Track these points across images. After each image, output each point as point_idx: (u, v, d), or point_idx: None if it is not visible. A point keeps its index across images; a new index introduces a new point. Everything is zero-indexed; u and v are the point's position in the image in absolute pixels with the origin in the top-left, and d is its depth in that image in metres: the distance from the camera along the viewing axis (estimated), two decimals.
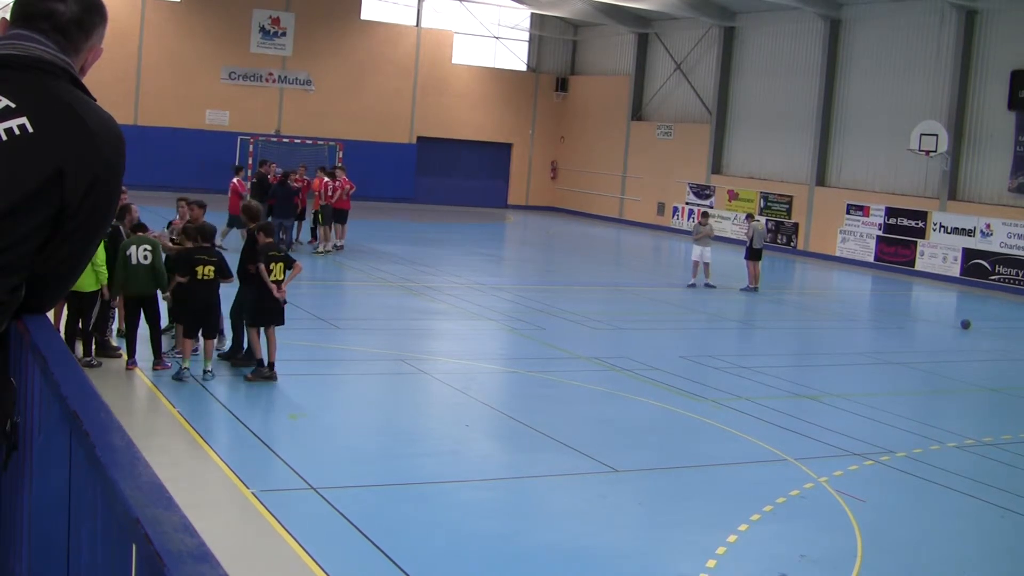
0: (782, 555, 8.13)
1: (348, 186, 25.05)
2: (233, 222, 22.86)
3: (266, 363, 12.19)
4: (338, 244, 24.98)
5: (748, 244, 23.96)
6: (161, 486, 1.57)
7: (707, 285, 23.55)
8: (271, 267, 12.19)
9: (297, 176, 24.89)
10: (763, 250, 24.21)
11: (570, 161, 44.44)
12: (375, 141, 40.51)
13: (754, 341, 18.09)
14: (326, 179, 24.88)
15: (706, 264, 23.71)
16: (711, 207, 36.99)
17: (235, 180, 24.31)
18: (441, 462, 9.94)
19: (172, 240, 13.45)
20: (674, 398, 12.87)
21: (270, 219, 21.49)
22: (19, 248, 2.20)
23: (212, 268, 11.89)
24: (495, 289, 21.46)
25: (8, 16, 2.46)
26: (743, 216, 25.56)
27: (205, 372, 11.97)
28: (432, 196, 42.18)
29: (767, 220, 34.77)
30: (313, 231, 25.55)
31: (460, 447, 10.52)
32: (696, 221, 24.63)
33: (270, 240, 12.58)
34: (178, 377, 11.80)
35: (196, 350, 12.05)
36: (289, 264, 12.58)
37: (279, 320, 12.36)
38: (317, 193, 24.74)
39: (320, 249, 24.68)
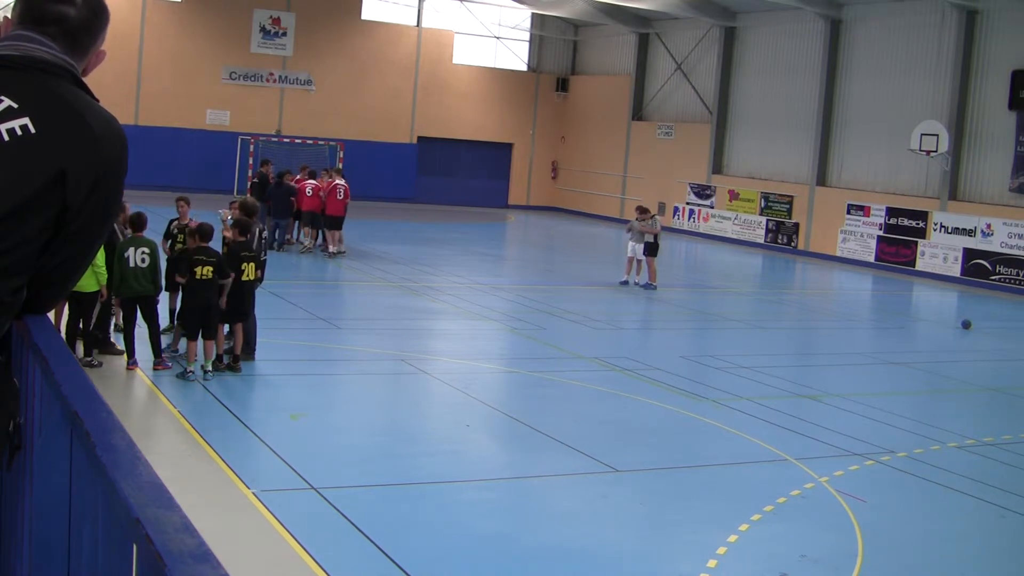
0: (783, 555, 8.14)
1: (325, 190, 23.77)
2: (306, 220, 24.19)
3: (227, 356, 12.46)
4: (333, 250, 23.89)
5: (653, 240, 22.34)
6: (162, 486, 1.57)
7: (629, 282, 22.67)
8: (243, 267, 12.26)
9: (298, 177, 24.71)
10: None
11: (571, 161, 44.44)
12: (375, 141, 40.53)
13: (754, 341, 18.08)
14: (309, 181, 24.04)
15: (639, 261, 22.54)
16: (712, 207, 37.05)
17: (311, 181, 23.87)
18: (441, 462, 9.94)
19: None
20: (674, 398, 12.87)
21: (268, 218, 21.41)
22: (22, 249, 2.20)
23: (211, 268, 11.90)
24: (495, 289, 21.47)
25: (11, 15, 2.46)
26: (638, 208, 23.03)
27: (205, 372, 11.98)
28: (432, 196, 42.18)
29: (768, 220, 34.84)
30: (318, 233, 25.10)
31: (460, 447, 10.52)
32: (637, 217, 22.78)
33: (243, 239, 12.58)
34: (182, 376, 11.85)
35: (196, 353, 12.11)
36: (260, 265, 12.72)
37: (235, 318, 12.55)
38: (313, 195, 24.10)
39: (336, 251, 23.95)
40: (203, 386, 11.75)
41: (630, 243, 22.65)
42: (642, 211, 23.06)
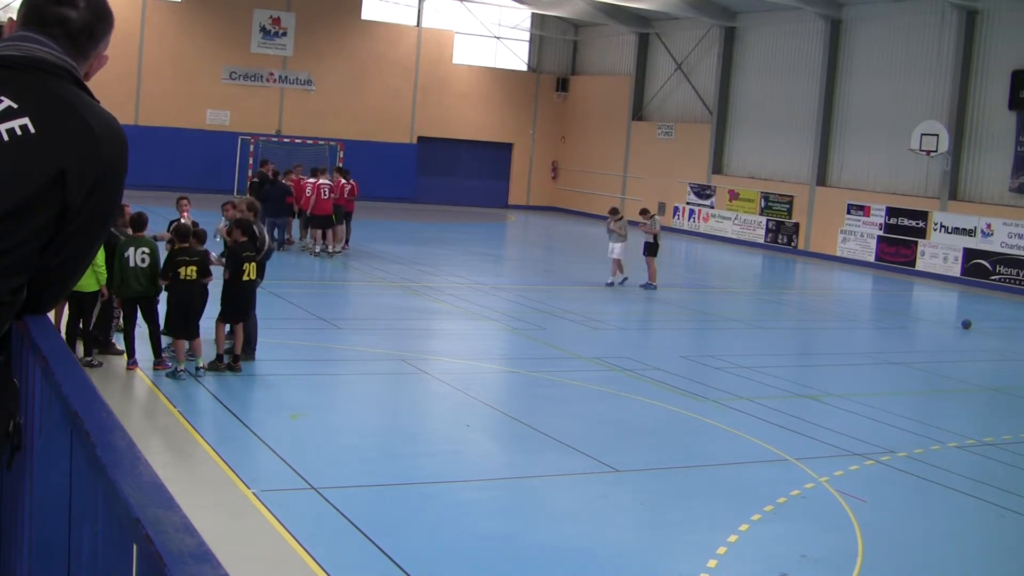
0: (783, 555, 8.14)
1: (317, 189, 23.63)
2: (309, 221, 24.17)
3: (227, 356, 12.43)
4: (329, 249, 23.97)
5: (652, 240, 22.63)
6: (162, 486, 1.57)
7: (617, 283, 22.66)
8: (244, 267, 12.27)
9: (294, 176, 24.64)
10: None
11: (571, 161, 44.44)
12: (375, 141, 40.52)
13: (754, 341, 18.08)
14: (310, 180, 23.92)
15: (616, 259, 22.59)
16: (712, 207, 37.04)
17: (311, 180, 23.89)
18: (441, 462, 9.94)
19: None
20: (674, 398, 12.87)
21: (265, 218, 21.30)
22: (22, 249, 2.20)
23: (194, 268, 11.93)
24: (495, 289, 21.47)
25: (16, 17, 2.47)
26: (632, 211, 23.27)
27: (198, 369, 12.00)
28: (433, 196, 42.17)
29: (768, 220, 34.83)
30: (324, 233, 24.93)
31: (460, 447, 10.52)
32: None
33: (246, 239, 12.58)
34: (172, 376, 11.86)
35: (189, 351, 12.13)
36: (261, 264, 12.75)
37: (242, 316, 12.53)
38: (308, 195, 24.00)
39: (332, 250, 23.95)
40: (203, 386, 11.75)
41: (609, 243, 22.69)
42: (613, 211, 23.27)
